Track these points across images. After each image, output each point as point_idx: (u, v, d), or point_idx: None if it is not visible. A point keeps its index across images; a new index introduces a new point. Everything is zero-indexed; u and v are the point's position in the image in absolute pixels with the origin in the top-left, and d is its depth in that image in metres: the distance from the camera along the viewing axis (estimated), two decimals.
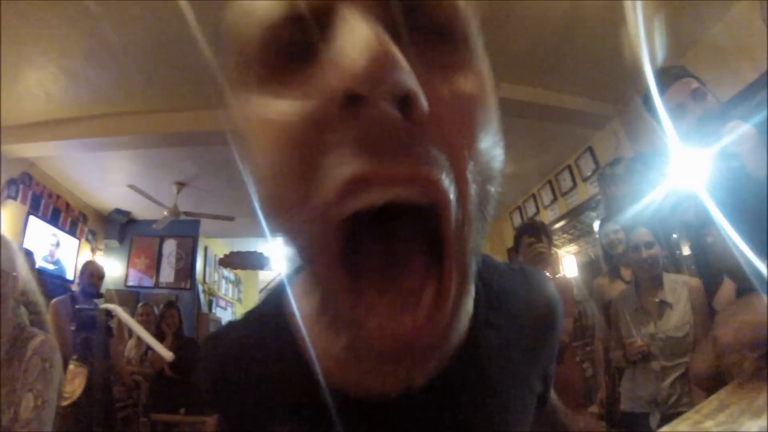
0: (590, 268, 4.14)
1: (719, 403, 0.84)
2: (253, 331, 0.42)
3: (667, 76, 1.19)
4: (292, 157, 0.27)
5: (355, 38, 0.24)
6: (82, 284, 2.98)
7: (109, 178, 4.64)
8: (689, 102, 1.14)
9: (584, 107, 3.22)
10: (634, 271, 1.86)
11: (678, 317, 1.68)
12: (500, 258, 5.27)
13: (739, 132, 1.04)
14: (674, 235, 2.75)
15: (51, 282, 4.26)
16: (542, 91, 3.03)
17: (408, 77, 0.24)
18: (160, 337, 3.28)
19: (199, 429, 2.20)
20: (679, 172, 1.27)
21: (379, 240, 0.29)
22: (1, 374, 1.03)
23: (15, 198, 4.03)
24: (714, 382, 1.08)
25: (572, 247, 4.46)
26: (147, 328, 3.47)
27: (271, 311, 0.41)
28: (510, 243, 5.34)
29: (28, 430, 0.99)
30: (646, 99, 1.25)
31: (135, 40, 2.74)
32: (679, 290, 1.74)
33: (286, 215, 0.28)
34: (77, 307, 2.67)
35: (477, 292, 0.41)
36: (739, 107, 2.13)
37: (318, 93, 0.25)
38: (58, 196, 4.66)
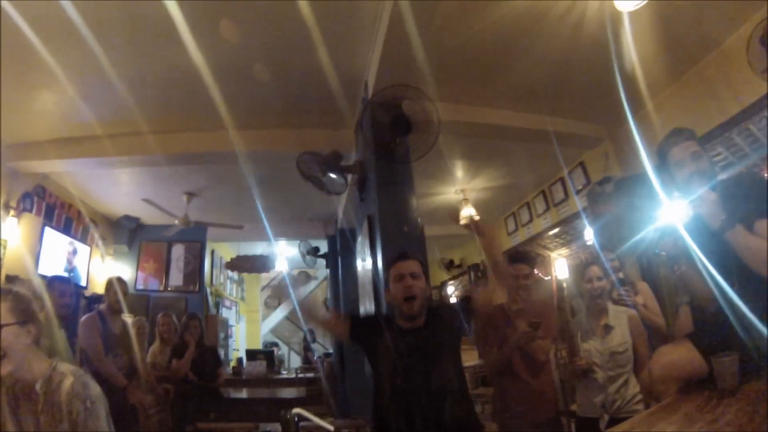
0: (580, 269, 4.41)
1: (647, 416, 1.28)
2: (378, 316, 2.07)
3: (676, 136, 1.52)
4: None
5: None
6: (108, 301, 3.09)
7: (121, 189, 4.81)
8: (688, 161, 1.45)
9: (579, 130, 3.51)
10: (585, 299, 2.25)
11: (619, 337, 2.09)
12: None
13: (703, 195, 1.38)
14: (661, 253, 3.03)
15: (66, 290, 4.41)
16: (541, 117, 3.28)
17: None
18: (184, 346, 3.51)
19: None
20: (666, 213, 1.57)
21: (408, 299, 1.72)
22: (42, 411, 1.11)
23: (30, 210, 4.17)
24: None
25: (564, 251, 4.74)
26: (170, 337, 3.70)
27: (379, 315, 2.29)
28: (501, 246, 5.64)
29: None
30: (657, 154, 1.58)
31: (148, 69, 2.92)
32: (620, 317, 2.14)
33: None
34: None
35: (427, 309, 1.75)
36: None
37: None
38: (70, 205, 4.81)
